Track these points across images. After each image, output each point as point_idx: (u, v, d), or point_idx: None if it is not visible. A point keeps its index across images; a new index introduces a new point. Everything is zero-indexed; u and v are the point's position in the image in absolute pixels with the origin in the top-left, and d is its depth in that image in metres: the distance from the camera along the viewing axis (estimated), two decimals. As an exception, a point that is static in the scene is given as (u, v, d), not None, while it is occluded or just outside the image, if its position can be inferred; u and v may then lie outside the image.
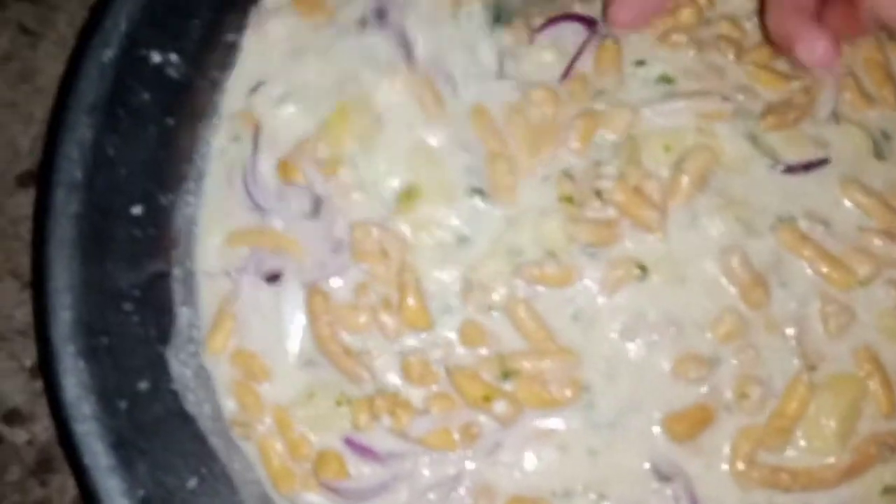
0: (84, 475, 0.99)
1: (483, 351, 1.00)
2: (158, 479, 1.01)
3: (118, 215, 1.06)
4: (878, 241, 1.00)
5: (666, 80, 1.03)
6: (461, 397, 1.00)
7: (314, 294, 1.04)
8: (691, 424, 0.98)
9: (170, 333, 1.09)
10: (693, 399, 0.98)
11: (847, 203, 1.01)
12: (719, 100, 1.00)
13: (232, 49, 1.13)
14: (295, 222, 1.07)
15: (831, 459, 0.99)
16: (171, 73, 1.08)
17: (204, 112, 1.13)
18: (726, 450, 0.99)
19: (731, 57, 1.03)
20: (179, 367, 1.09)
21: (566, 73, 1.05)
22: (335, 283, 1.05)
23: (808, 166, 1.00)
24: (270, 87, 1.10)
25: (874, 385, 0.99)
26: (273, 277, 1.07)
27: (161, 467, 1.02)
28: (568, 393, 0.97)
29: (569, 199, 1.00)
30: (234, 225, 1.09)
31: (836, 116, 1.01)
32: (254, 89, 1.11)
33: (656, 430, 0.98)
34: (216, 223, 1.10)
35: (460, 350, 1.01)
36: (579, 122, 1.02)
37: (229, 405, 1.08)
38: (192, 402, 1.08)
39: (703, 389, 0.98)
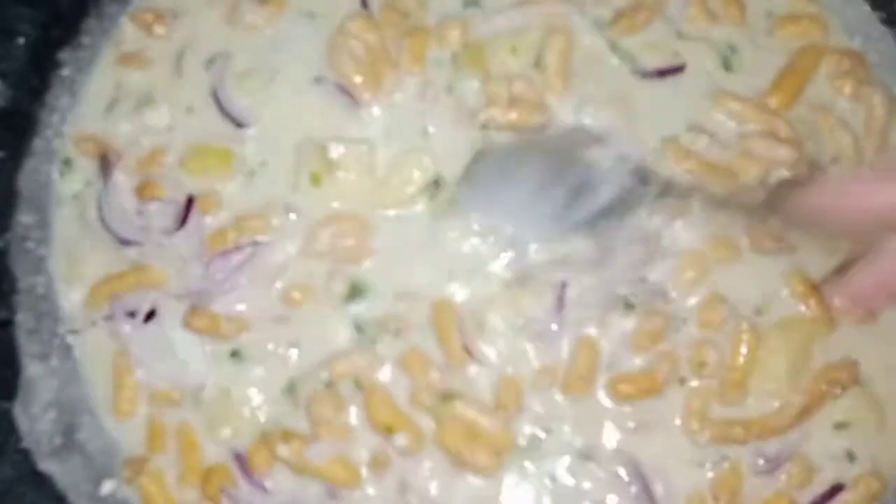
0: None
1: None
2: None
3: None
4: (761, 143, 0.95)
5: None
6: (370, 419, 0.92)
7: (194, 314, 0.95)
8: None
9: (15, 387, 0.96)
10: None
11: (721, 115, 0.98)
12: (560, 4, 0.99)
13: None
14: (161, 244, 0.99)
15: (782, 402, 0.94)
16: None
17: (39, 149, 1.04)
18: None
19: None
20: (29, 422, 0.96)
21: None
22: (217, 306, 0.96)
23: (663, 72, 0.99)
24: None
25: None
26: (150, 315, 0.97)
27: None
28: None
29: None
30: (93, 272, 0.99)
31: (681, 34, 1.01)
32: (111, 104, 1.03)
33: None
34: (72, 274, 1.00)
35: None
36: (406, 42, 0.99)
37: (133, 448, 0.96)
38: (48, 460, 0.94)
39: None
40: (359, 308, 0.95)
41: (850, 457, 0.94)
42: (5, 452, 0.93)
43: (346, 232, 0.96)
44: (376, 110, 0.99)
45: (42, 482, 0.94)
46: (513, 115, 0.96)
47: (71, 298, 1.00)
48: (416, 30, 1.00)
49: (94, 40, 1.05)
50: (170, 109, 1.01)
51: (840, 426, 0.94)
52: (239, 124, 1.00)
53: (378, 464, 0.92)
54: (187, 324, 0.95)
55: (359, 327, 0.95)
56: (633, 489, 0.92)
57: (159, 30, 1.03)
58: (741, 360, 0.93)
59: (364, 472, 0.92)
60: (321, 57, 1.00)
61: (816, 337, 0.95)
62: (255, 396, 0.95)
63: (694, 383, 0.94)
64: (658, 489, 0.92)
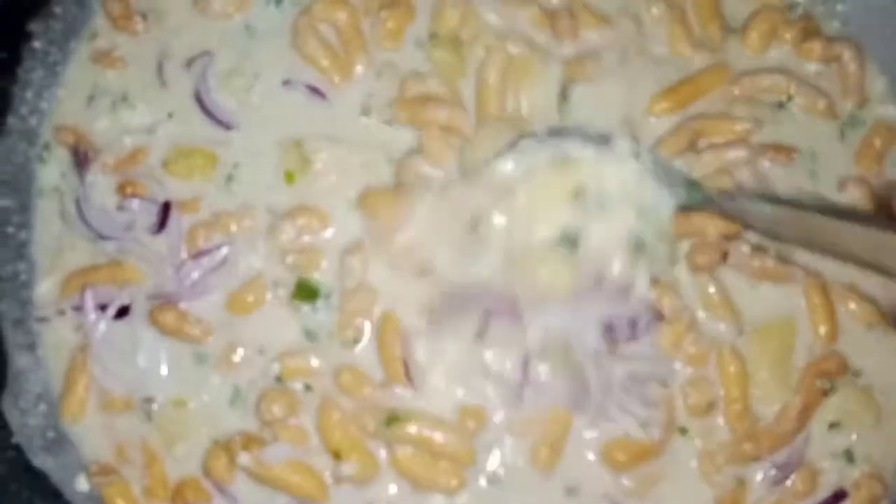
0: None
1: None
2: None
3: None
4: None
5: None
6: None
7: (164, 310, 0.93)
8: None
9: (3, 380, 0.95)
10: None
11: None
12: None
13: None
14: (140, 242, 0.96)
15: (780, 405, 0.92)
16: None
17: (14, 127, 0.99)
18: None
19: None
20: (20, 416, 0.94)
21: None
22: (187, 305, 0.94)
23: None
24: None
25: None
26: (122, 312, 0.95)
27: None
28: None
29: None
30: (71, 264, 0.97)
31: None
32: (90, 99, 0.99)
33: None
34: (52, 266, 0.98)
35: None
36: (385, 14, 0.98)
37: (97, 453, 0.94)
38: (41, 455, 0.94)
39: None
40: (312, 313, 0.93)
41: (849, 457, 0.93)
42: (-1, 449, 0.92)
43: (311, 226, 0.94)
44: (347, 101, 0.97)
45: (37, 478, 0.93)
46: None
47: (44, 285, 0.98)
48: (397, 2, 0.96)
49: (66, 10, 1.00)
50: (149, 110, 0.98)
51: (833, 426, 0.93)
52: (226, 126, 0.97)
53: (340, 479, 0.91)
54: (154, 320, 0.93)
55: (309, 332, 0.93)
56: None
57: (132, 26, 0.99)
58: (736, 390, 0.91)
59: (329, 482, 0.91)
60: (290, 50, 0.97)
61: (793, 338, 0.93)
62: (211, 405, 0.93)
63: (693, 429, 0.92)
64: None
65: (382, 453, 0.90)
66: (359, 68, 0.97)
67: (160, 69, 0.99)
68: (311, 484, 0.90)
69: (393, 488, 0.91)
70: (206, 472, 0.91)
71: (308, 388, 0.92)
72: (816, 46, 0.99)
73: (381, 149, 0.95)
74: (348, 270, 0.92)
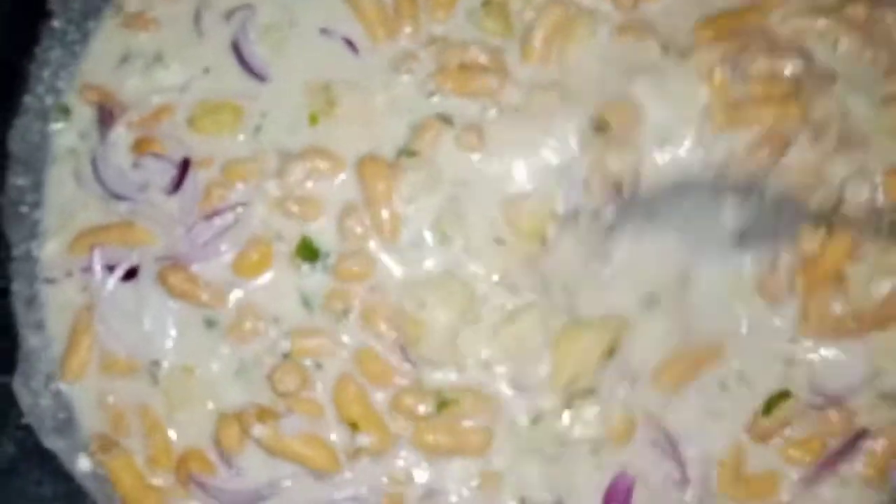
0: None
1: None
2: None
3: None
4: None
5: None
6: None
7: (174, 271, 0.90)
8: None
9: (14, 360, 0.93)
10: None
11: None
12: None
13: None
14: (153, 203, 0.94)
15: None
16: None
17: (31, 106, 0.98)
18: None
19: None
20: (31, 397, 0.93)
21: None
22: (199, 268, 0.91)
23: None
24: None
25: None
26: (130, 274, 0.92)
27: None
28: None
29: None
30: (81, 223, 0.95)
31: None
32: (122, 60, 0.98)
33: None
34: (62, 227, 0.95)
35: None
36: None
37: (95, 424, 0.92)
38: (52, 436, 0.92)
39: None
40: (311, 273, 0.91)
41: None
42: (7, 429, 0.91)
43: (320, 169, 0.91)
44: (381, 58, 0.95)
45: (47, 459, 0.91)
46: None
47: (51, 245, 0.95)
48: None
49: None
50: (183, 69, 0.96)
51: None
52: (260, 78, 0.95)
53: (353, 452, 0.88)
54: (163, 280, 0.90)
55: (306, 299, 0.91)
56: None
57: None
58: None
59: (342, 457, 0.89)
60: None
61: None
62: (218, 375, 0.91)
63: None
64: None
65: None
66: (407, 30, 0.95)
67: (197, 20, 0.96)
68: (324, 457, 0.88)
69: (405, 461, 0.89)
70: (217, 441, 0.88)
71: (318, 365, 0.90)
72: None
73: (407, 113, 0.93)
74: (346, 232, 0.90)
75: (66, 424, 0.93)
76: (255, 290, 0.91)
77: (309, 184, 0.92)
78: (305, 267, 0.91)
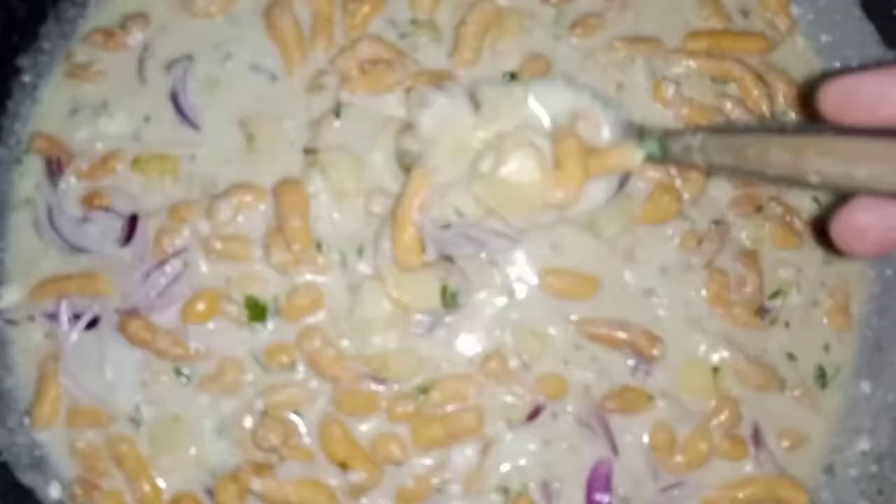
0: None
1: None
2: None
3: None
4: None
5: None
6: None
7: (133, 320, 0.94)
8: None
9: (-10, 397, 0.97)
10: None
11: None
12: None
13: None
14: (108, 255, 0.98)
15: None
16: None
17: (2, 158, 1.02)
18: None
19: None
20: (7, 435, 0.97)
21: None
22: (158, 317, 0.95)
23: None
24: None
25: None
26: (92, 323, 0.96)
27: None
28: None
29: None
30: (44, 270, 0.99)
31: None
32: (72, 112, 1.02)
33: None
34: (24, 273, 0.99)
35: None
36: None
37: (70, 469, 0.96)
38: (28, 473, 0.96)
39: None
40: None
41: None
42: (-15, 467, 0.94)
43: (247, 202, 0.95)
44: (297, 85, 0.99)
45: (24, 496, 0.95)
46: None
47: (13, 288, 0.99)
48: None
49: (54, 45, 1.03)
50: (127, 117, 1.00)
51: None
52: (195, 126, 0.99)
53: (351, 490, 0.92)
54: (122, 329, 0.94)
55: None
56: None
57: (114, 42, 1.01)
58: None
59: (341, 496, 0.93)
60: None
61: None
62: (200, 425, 0.95)
63: None
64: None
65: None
66: (321, 48, 0.99)
67: (140, 69, 1.01)
68: (323, 497, 0.92)
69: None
70: (217, 500, 0.92)
71: (298, 413, 0.93)
72: None
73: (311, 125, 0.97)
74: (276, 264, 0.93)
75: (43, 461, 0.96)
76: (210, 339, 0.95)
77: (240, 218, 0.95)
78: (258, 325, 0.95)
